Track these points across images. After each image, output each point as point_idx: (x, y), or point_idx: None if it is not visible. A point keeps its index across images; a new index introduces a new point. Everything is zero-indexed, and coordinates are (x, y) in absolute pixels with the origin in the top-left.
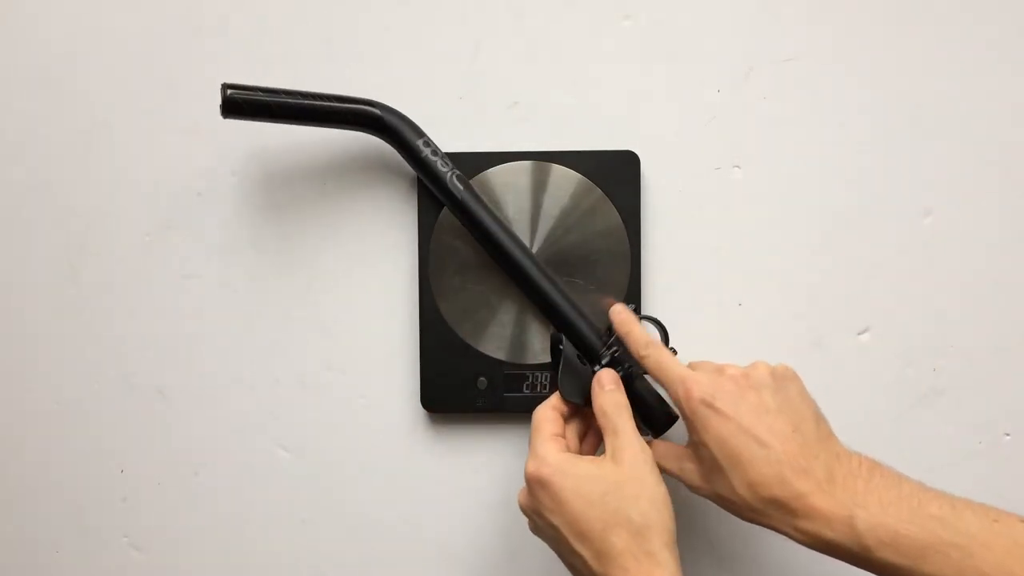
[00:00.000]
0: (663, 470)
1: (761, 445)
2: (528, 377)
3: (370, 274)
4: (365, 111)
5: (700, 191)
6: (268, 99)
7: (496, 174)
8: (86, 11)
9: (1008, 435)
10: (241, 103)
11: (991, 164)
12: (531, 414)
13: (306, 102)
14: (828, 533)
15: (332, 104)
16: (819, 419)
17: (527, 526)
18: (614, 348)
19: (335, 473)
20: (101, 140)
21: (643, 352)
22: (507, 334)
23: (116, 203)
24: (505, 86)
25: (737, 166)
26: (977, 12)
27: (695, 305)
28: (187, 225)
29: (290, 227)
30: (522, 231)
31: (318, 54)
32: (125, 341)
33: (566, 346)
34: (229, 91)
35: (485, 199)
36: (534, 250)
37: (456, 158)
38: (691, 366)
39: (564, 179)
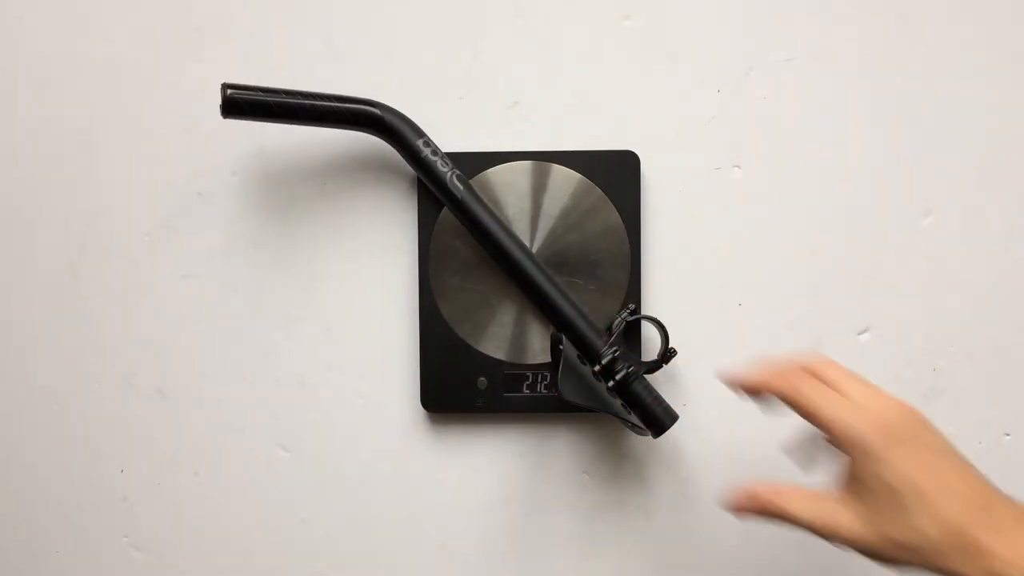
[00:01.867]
0: (807, 526)
1: (946, 479)
2: (528, 377)
3: (370, 274)
4: (365, 111)
5: (700, 191)
6: (268, 99)
7: (496, 174)
8: (85, 11)
9: (1008, 435)
10: (241, 103)
11: (991, 164)
12: (530, 414)
13: (306, 102)
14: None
15: (332, 104)
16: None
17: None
18: (614, 348)
19: (335, 473)
20: (101, 140)
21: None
22: (507, 334)
23: (116, 203)
24: (505, 86)
25: (737, 166)
26: (977, 12)
27: (695, 305)
28: (187, 225)
29: (290, 227)
30: (522, 231)
31: (318, 54)
32: (125, 341)
33: (566, 346)
34: (229, 91)
35: (485, 199)
36: (534, 250)
37: (456, 158)
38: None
39: (564, 179)
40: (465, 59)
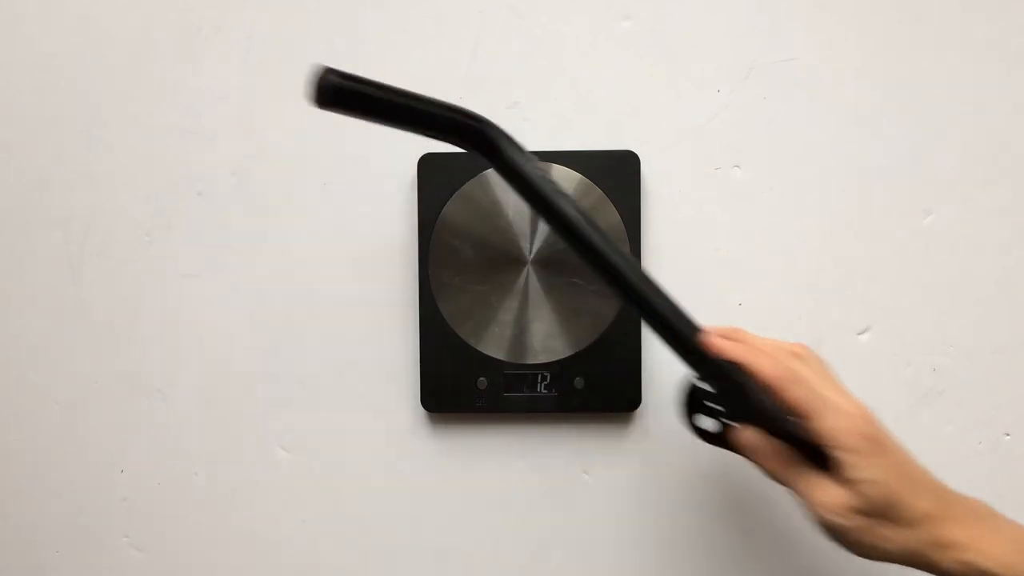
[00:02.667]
0: (831, 528)
1: (921, 479)
2: (528, 377)
3: (370, 274)
4: (469, 124)
5: (700, 191)
6: (374, 93)
7: (496, 174)
8: (86, 11)
9: (1008, 435)
10: (347, 92)
11: (991, 164)
12: (530, 414)
13: (413, 103)
14: (986, 563)
15: (435, 110)
16: None
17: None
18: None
19: (335, 473)
20: (101, 140)
21: (793, 388)
22: (507, 334)
23: (116, 203)
24: (505, 86)
25: (737, 166)
26: (977, 12)
27: (695, 305)
28: (187, 225)
29: (290, 227)
30: (522, 232)
31: (318, 55)
32: (125, 341)
33: (696, 387)
34: (330, 76)
35: (599, 223)
36: (534, 250)
37: (456, 158)
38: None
39: (564, 179)
40: (465, 59)
